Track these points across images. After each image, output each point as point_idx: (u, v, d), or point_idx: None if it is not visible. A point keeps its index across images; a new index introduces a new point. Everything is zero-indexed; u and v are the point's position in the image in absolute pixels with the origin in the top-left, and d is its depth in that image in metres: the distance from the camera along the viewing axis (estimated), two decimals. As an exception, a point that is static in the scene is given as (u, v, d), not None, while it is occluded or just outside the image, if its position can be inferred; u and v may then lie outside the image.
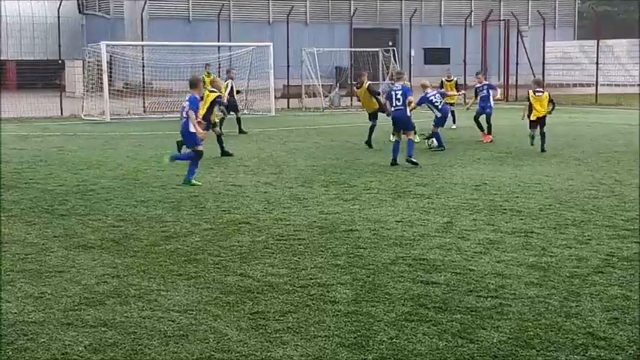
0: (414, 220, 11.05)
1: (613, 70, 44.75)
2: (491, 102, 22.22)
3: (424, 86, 19.80)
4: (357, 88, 21.41)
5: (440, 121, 19.56)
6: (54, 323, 6.83)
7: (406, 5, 57.62)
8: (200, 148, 14.60)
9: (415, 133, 21.31)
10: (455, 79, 27.03)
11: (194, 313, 7.09)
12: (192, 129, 14.38)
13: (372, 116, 20.50)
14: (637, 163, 16.71)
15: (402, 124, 16.85)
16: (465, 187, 13.87)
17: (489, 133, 21.57)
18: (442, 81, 26.60)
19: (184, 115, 14.48)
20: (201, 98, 17.12)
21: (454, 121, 25.62)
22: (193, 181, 14.20)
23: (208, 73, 30.07)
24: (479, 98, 22.36)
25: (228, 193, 13.40)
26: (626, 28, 65.53)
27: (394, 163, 16.57)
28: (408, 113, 16.81)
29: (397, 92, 16.74)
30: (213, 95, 18.19)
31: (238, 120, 24.90)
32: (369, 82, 21.23)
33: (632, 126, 26.03)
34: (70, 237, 10.10)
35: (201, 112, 16.73)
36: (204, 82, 29.31)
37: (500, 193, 13.14)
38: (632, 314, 6.96)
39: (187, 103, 14.45)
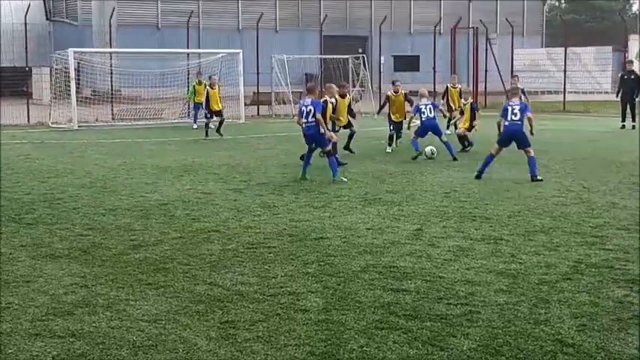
0: (384, 227, 11.07)
1: (580, 77, 45.21)
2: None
3: (422, 95, 19.74)
4: (395, 94, 21.55)
5: (419, 132, 19.37)
6: (21, 334, 6.75)
7: (376, 12, 57.81)
8: (329, 147, 15.81)
9: (390, 144, 21.13)
10: (459, 86, 27.18)
11: (163, 322, 7.03)
12: (322, 131, 15.59)
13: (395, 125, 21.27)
14: (604, 170, 16.87)
15: (519, 139, 15.78)
16: (434, 194, 13.92)
17: None
18: (447, 87, 26.79)
19: (310, 120, 15.51)
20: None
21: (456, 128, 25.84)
22: (340, 178, 15.46)
23: (199, 81, 29.99)
24: None
25: (197, 201, 13.34)
26: (592, 35, 66.31)
27: (479, 176, 15.66)
28: (524, 129, 15.81)
29: (514, 107, 15.73)
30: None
31: (220, 123, 26.09)
32: (403, 92, 21.64)
33: (600, 133, 26.31)
34: (38, 246, 10.00)
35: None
36: (195, 90, 29.54)
37: (469, 200, 13.20)
38: (600, 321, 7.01)
39: (312, 107, 15.57)
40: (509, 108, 15.86)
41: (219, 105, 26.55)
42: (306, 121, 15.64)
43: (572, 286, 8.09)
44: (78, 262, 9.17)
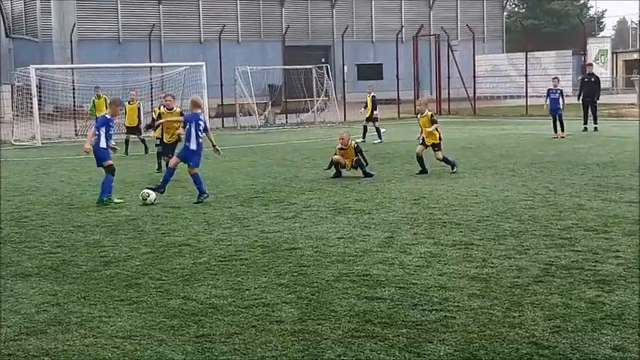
0: (355, 236, 11.09)
1: (541, 81, 45.67)
2: (561, 104, 26.75)
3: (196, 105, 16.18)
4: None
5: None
6: (-6, 355, 6.67)
7: (337, 22, 58.06)
8: (109, 162, 14.71)
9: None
10: (373, 94, 27.34)
11: (138, 338, 6.98)
12: (102, 145, 14.65)
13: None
14: (569, 173, 17.04)
15: None
16: (403, 201, 13.97)
17: (562, 130, 26.26)
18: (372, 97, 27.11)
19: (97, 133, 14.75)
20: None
21: (380, 137, 26.20)
22: (112, 200, 14.60)
23: (98, 95, 28.42)
24: (549, 99, 27.02)
25: (166, 215, 13.27)
26: (551, 39, 67.07)
27: None
28: None
29: None
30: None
31: (142, 141, 25.88)
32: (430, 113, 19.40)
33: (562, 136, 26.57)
34: (7, 265, 9.88)
35: None
36: (94, 105, 28.10)
37: (438, 207, 13.26)
38: (574, 322, 7.07)
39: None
40: None
41: (135, 121, 26.03)
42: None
43: (544, 288, 8.17)
44: (48, 280, 9.07)
